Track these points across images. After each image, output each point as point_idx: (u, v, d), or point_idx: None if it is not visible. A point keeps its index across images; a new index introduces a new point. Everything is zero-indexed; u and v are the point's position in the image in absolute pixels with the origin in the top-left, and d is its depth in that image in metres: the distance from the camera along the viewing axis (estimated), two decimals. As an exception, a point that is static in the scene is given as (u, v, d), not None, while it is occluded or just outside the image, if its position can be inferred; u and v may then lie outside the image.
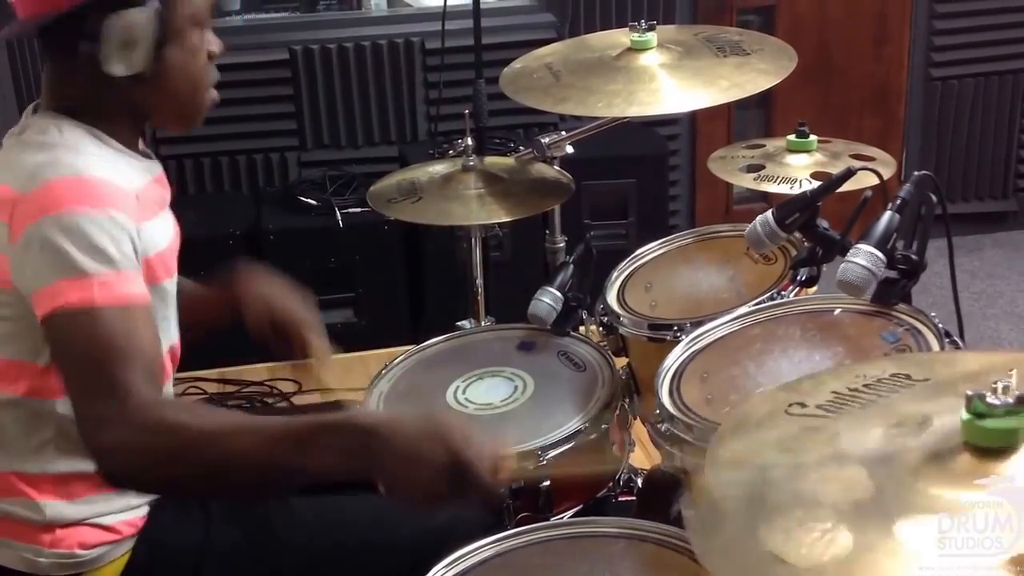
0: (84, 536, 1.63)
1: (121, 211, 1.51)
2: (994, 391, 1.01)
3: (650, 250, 2.37)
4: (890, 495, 1.02)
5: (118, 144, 1.64)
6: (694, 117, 4.35)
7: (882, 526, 0.98)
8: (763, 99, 4.28)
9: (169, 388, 1.75)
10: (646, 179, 3.97)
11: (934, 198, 1.79)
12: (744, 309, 1.97)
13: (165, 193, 1.75)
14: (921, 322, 1.74)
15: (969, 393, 1.01)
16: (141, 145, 1.73)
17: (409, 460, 1.37)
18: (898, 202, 1.76)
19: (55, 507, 1.61)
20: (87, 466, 1.51)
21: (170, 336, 1.72)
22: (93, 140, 1.60)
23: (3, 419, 1.60)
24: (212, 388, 3.33)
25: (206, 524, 1.72)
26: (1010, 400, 0.99)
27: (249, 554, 1.73)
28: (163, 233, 1.69)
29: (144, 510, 1.70)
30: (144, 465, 1.41)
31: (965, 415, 1.01)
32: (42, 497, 1.60)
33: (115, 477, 1.45)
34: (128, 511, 1.67)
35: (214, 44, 1.68)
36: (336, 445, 1.39)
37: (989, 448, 1.00)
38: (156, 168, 1.73)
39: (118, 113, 1.64)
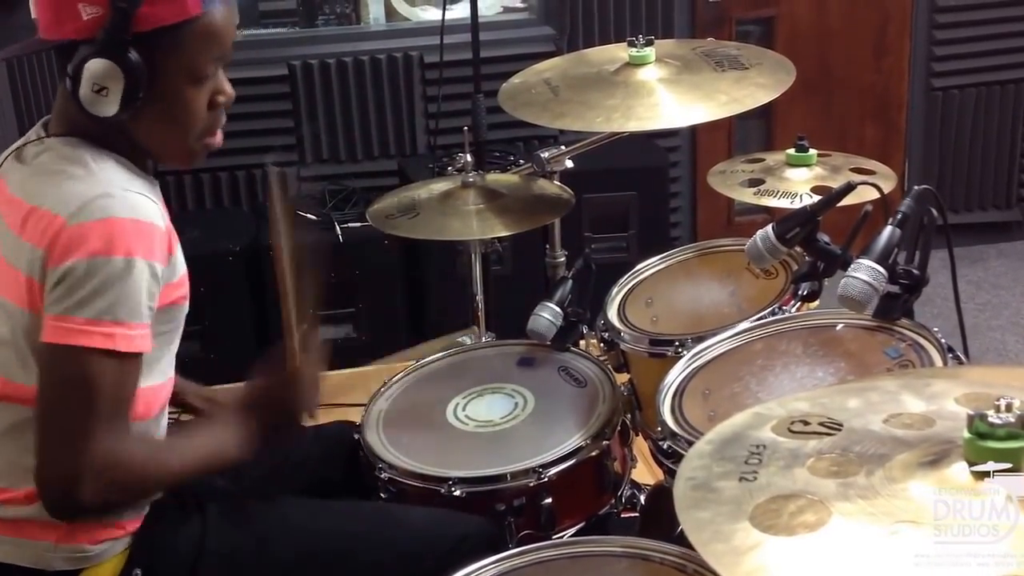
0: (92, 532, 1.66)
1: (158, 260, 1.56)
2: (996, 409, 1.00)
3: (651, 265, 2.36)
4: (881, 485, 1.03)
5: (137, 169, 1.65)
6: (694, 129, 4.34)
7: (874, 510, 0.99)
8: (764, 110, 4.27)
9: (164, 417, 1.77)
10: (646, 191, 3.97)
11: (935, 212, 1.78)
12: (745, 324, 1.97)
13: (167, 213, 1.75)
14: (924, 337, 1.74)
15: (971, 412, 1.00)
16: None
17: (267, 415, 1.73)
18: (899, 216, 1.75)
19: None
20: None
21: (175, 356, 1.76)
22: (120, 167, 1.62)
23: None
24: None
25: (203, 523, 1.75)
26: (1012, 419, 0.98)
27: (245, 553, 1.74)
28: (182, 258, 1.71)
29: (147, 507, 1.72)
30: (104, 504, 1.58)
31: (967, 434, 1.00)
32: None
33: (65, 512, 1.57)
34: (133, 507, 1.70)
35: (222, 93, 1.69)
36: (231, 439, 1.69)
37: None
38: (158, 189, 1.74)
39: (125, 139, 1.64)
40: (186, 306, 1.72)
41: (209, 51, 1.62)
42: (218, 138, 1.73)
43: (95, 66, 1.54)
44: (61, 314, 1.50)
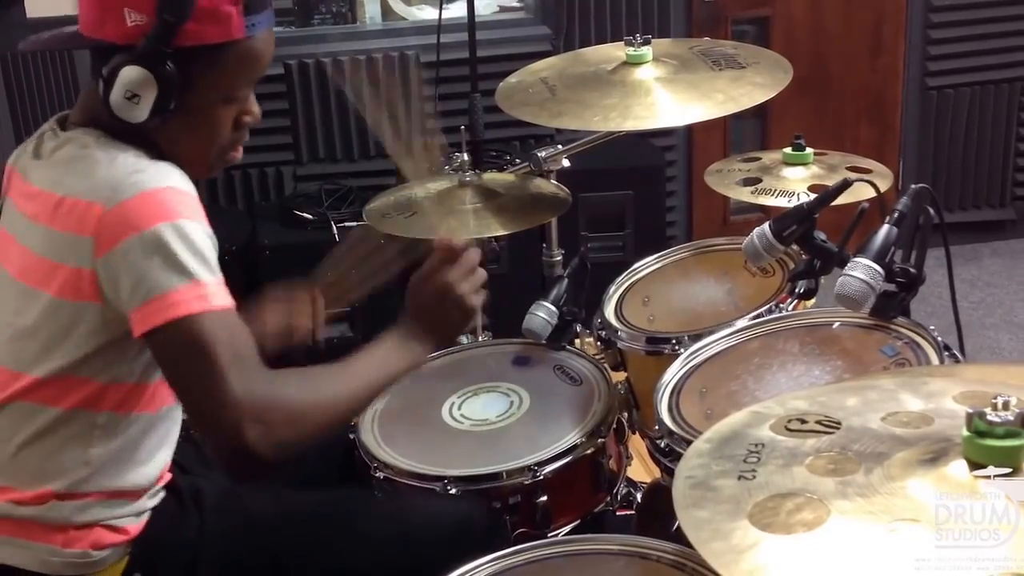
0: (97, 537, 1.66)
1: (204, 221, 1.55)
2: (994, 407, 1.00)
3: (648, 263, 2.36)
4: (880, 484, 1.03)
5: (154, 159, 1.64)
6: (690, 128, 4.34)
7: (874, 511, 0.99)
8: (759, 109, 4.25)
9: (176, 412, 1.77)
10: (643, 191, 3.97)
11: (931, 211, 1.78)
12: (742, 323, 1.97)
13: None
14: (920, 335, 1.74)
15: (970, 411, 1.00)
16: None
17: (441, 317, 1.76)
18: (896, 215, 1.76)
19: (73, 510, 1.63)
20: (110, 479, 1.62)
21: None
22: (142, 155, 1.60)
23: (55, 434, 1.61)
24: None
25: (200, 520, 1.75)
26: (1011, 418, 0.98)
27: (244, 548, 1.75)
28: None
29: (149, 512, 1.72)
30: (279, 446, 1.49)
31: (965, 432, 1.00)
32: (63, 500, 1.63)
33: (252, 469, 1.52)
34: (137, 514, 1.70)
35: (250, 115, 1.68)
36: (396, 350, 1.71)
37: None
38: None
39: (145, 137, 1.62)
40: None
41: (246, 74, 1.62)
42: (239, 154, 1.72)
43: (131, 73, 1.53)
44: (144, 302, 1.48)
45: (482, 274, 1.80)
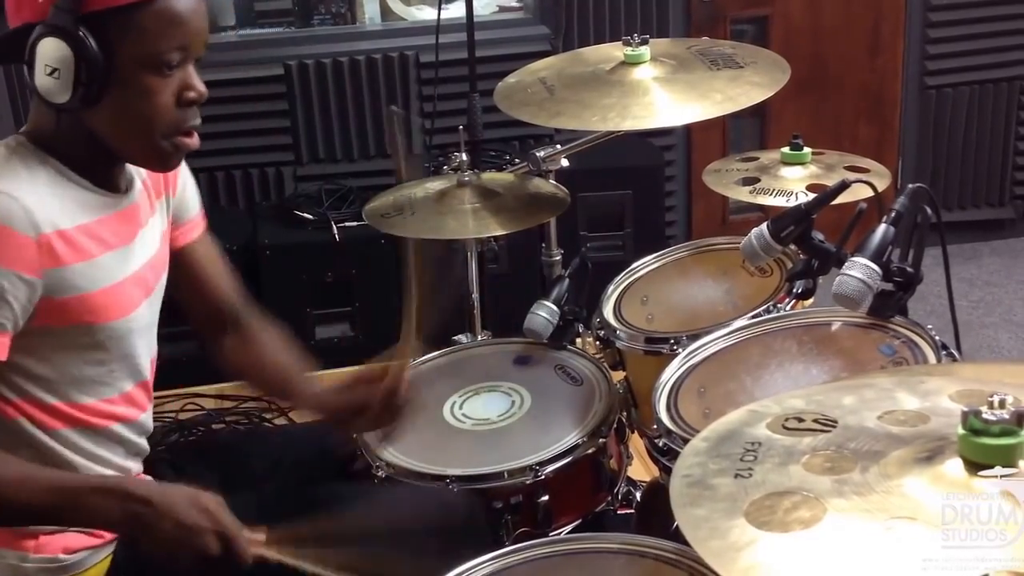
0: (68, 541, 1.65)
1: (17, 268, 1.49)
2: (991, 405, 1.01)
3: (646, 263, 2.37)
4: (876, 482, 1.04)
5: (75, 175, 1.60)
6: (689, 128, 4.34)
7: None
8: (758, 109, 4.25)
9: (148, 418, 1.77)
10: (642, 190, 3.97)
11: (929, 210, 1.79)
12: (741, 322, 1.98)
13: (133, 227, 1.70)
14: (918, 334, 1.75)
15: (965, 409, 1.01)
16: (125, 177, 1.69)
17: (179, 531, 1.50)
18: (893, 215, 1.76)
19: None
20: None
21: (137, 371, 1.72)
22: (42, 169, 1.57)
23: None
24: (210, 404, 3.33)
25: None
26: (1006, 416, 0.99)
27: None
28: (116, 267, 1.64)
29: None
30: None
31: (961, 431, 1.01)
32: None
33: None
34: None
35: (192, 89, 1.59)
36: (104, 509, 1.50)
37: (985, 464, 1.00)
38: (125, 202, 1.68)
39: (79, 142, 1.60)
40: (113, 325, 1.64)
41: (168, 38, 1.54)
42: (194, 140, 1.63)
43: (44, 47, 1.50)
44: None
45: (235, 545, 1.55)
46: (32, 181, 1.55)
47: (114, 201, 1.65)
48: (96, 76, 1.51)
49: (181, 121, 1.60)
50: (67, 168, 1.59)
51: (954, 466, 1.01)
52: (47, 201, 1.54)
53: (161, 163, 1.65)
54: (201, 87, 1.60)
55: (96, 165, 1.62)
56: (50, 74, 1.51)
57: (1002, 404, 1.00)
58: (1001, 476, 0.99)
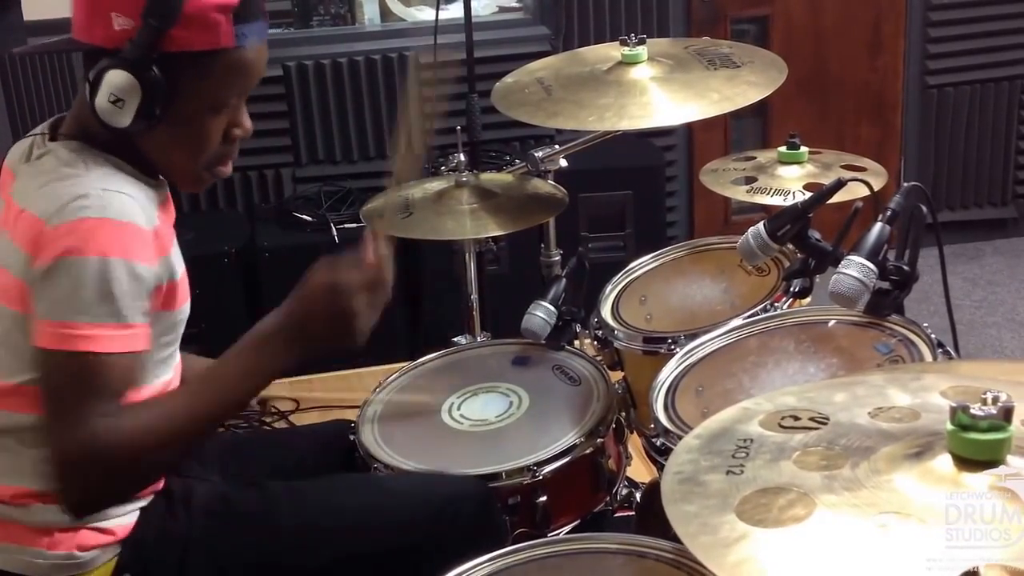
0: (82, 539, 1.66)
1: (141, 260, 1.54)
2: (984, 402, 1.00)
3: (644, 263, 2.37)
4: (866, 478, 1.04)
5: (133, 170, 1.65)
6: (690, 128, 4.35)
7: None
8: (760, 109, 4.28)
9: None
10: (643, 190, 3.97)
11: (924, 208, 1.79)
12: (738, 321, 1.97)
13: (172, 218, 1.77)
14: (914, 333, 1.74)
15: (953, 405, 1.01)
16: None
17: (320, 321, 1.62)
18: (888, 213, 1.76)
19: (57, 512, 1.61)
20: None
21: (175, 363, 1.77)
22: (115, 171, 1.61)
23: (20, 439, 1.61)
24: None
25: (189, 518, 1.74)
26: (994, 411, 0.99)
27: (232, 544, 1.74)
28: (180, 259, 1.71)
29: (136, 512, 1.72)
30: (124, 477, 1.55)
31: (949, 426, 1.01)
32: (46, 503, 1.62)
33: (94, 503, 1.57)
34: (123, 514, 1.69)
35: (240, 128, 1.67)
36: (271, 355, 1.63)
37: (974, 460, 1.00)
38: (165, 192, 1.74)
39: (127, 145, 1.64)
40: (183, 309, 1.72)
41: (235, 84, 1.62)
42: (228, 169, 1.71)
43: (114, 77, 1.54)
44: (44, 318, 1.50)
45: (385, 295, 1.69)
46: (123, 178, 1.61)
47: (160, 194, 1.71)
48: (159, 111, 1.57)
49: (224, 155, 1.69)
50: (126, 164, 1.64)
51: (943, 462, 1.01)
52: (141, 201, 1.60)
53: (195, 186, 1.74)
54: (249, 124, 1.69)
55: (142, 162, 1.67)
56: (113, 102, 1.56)
57: (995, 401, 1.00)
58: (1006, 476, 0.99)
